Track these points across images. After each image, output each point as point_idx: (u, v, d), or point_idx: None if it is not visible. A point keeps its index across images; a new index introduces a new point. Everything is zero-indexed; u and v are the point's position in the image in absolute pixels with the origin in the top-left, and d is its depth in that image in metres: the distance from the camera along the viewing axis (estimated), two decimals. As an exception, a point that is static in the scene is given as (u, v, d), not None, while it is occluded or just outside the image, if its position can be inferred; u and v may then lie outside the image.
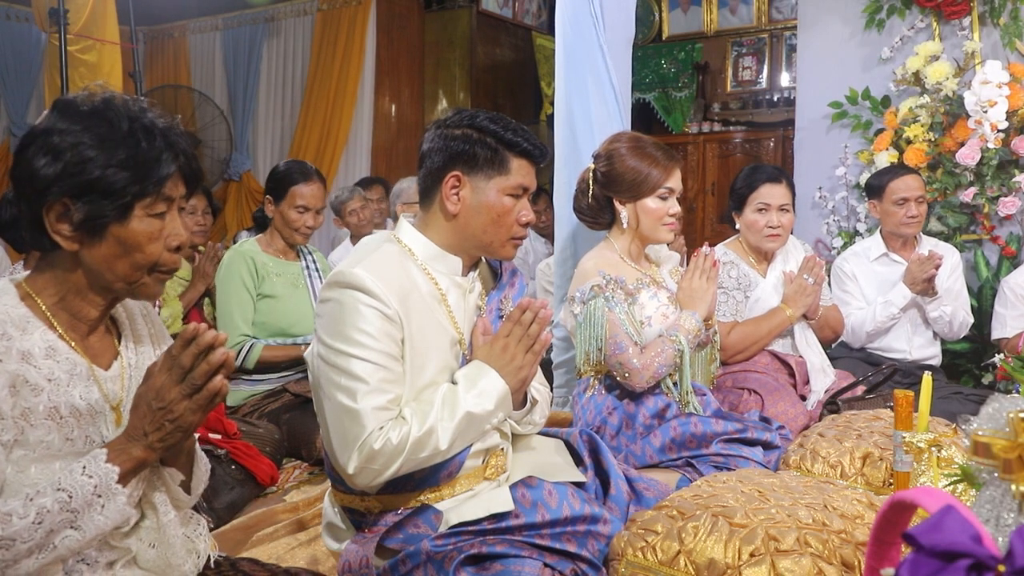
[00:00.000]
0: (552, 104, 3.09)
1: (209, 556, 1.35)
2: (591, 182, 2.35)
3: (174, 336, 1.20)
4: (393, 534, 1.55)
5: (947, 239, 3.56)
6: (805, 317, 2.77)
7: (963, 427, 0.98)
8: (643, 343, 2.20)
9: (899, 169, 3.30)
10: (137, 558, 1.24)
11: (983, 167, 3.54)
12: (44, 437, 1.14)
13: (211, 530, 2.05)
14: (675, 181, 2.30)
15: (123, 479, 1.13)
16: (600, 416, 2.24)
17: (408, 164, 6.10)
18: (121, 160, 1.14)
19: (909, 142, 3.71)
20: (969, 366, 3.56)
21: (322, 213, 3.05)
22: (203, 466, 1.35)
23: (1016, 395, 1.07)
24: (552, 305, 2.67)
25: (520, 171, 1.64)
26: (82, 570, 1.19)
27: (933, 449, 1.53)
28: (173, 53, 7.20)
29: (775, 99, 6.46)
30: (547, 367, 2.56)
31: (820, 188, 4.05)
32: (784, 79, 6.46)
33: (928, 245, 3.25)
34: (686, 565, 1.48)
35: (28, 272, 1.23)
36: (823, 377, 2.72)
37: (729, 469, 2.02)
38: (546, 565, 1.47)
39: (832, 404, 2.56)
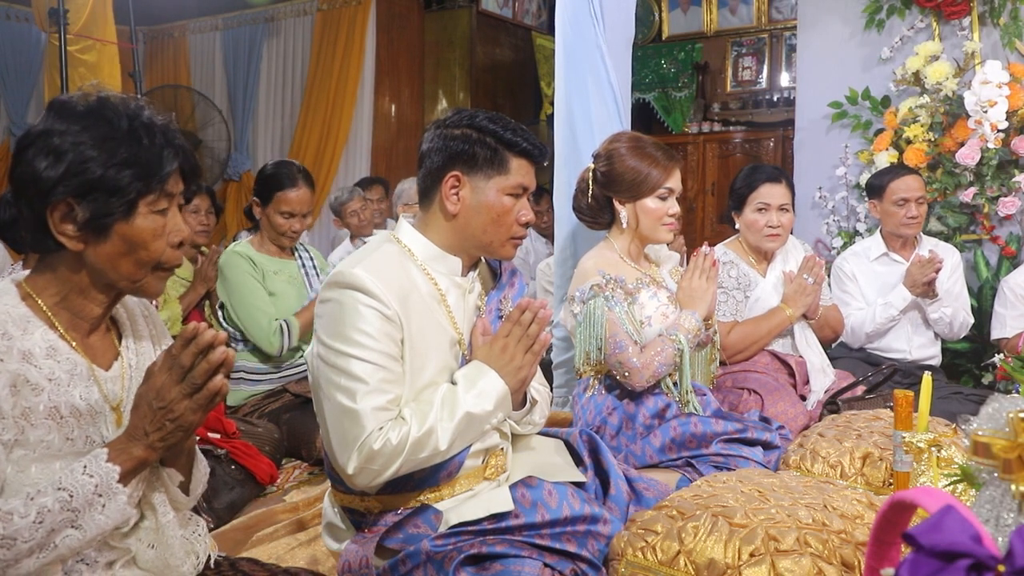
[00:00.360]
0: (552, 104, 3.09)
1: (209, 556, 1.35)
2: (591, 182, 2.35)
3: (175, 338, 1.20)
4: (393, 534, 1.55)
5: (947, 239, 3.56)
6: (805, 317, 2.77)
7: (963, 427, 0.98)
8: (643, 342, 2.20)
9: (899, 169, 3.30)
10: (136, 558, 1.24)
11: (983, 167, 3.54)
12: (44, 437, 1.14)
13: (211, 530, 2.06)
14: (675, 181, 2.30)
15: (124, 479, 1.13)
16: (600, 416, 2.24)
17: (408, 164, 6.11)
18: (124, 158, 1.14)
19: (909, 142, 3.71)
20: (969, 366, 3.56)
21: (309, 217, 3.03)
22: (202, 468, 1.35)
23: (1016, 395, 1.07)
24: (552, 305, 2.67)
25: (520, 171, 1.64)
26: (81, 570, 1.19)
27: (933, 449, 1.53)
28: (173, 53, 7.20)
29: (775, 99, 6.46)
30: (547, 367, 2.56)
31: (820, 188, 4.05)
32: (784, 79, 6.46)
33: (928, 245, 3.25)
34: (686, 565, 1.48)
35: (28, 272, 1.23)
36: (823, 377, 2.72)
37: (729, 469, 2.02)
38: (546, 565, 1.47)
39: (832, 404, 2.56)
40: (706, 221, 6.30)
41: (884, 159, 3.74)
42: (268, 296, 2.91)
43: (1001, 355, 3.05)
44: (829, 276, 3.25)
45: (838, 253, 3.55)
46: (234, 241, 4.31)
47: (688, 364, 2.22)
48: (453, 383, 1.56)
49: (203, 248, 3.93)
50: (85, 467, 1.11)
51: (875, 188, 3.23)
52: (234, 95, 6.82)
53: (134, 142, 1.15)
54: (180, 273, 3.73)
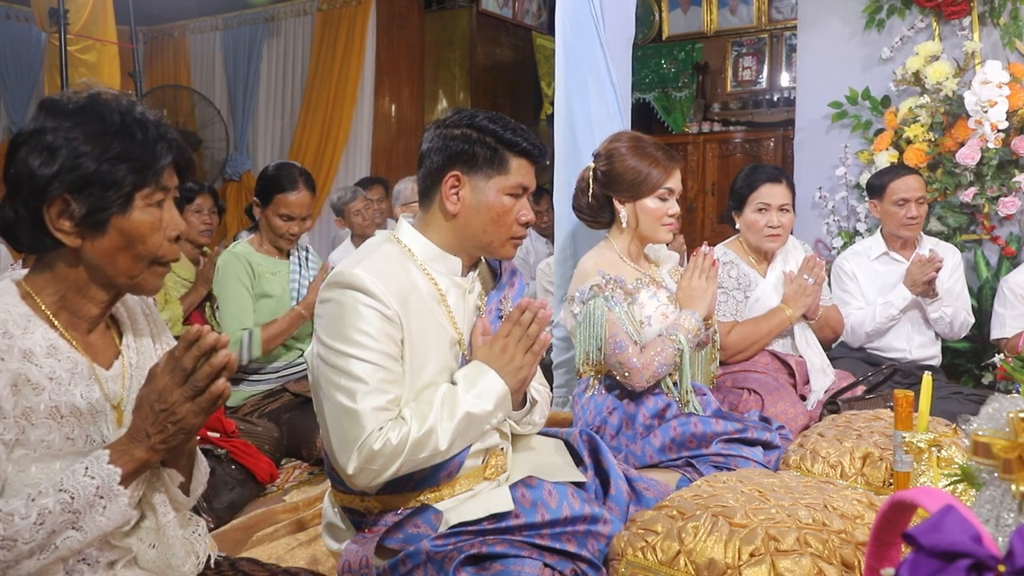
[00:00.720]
0: (552, 104, 3.09)
1: (209, 556, 1.35)
2: (591, 181, 2.35)
3: (177, 338, 1.20)
4: (393, 534, 1.55)
5: (947, 239, 3.56)
6: (805, 317, 2.77)
7: (963, 427, 0.98)
8: (643, 343, 2.20)
9: (900, 169, 3.30)
10: (137, 558, 1.24)
11: (983, 167, 3.54)
12: (45, 436, 1.14)
13: (211, 530, 2.06)
14: (675, 181, 2.30)
15: (125, 480, 1.13)
16: (600, 416, 2.24)
17: (408, 164, 6.10)
18: (118, 152, 1.15)
19: (909, 142, 3.71)
20: (969, 366, 3.56)
21: (308, 220, 3.03)
22: (203, 468, 1.35)
23: (1016, 395, 1.07)
24: (552, 305, 2.67)
25: (519, 171, 1.64)
26: (83, 570, 1.19)
27: (933, 449, 1.53)
28: (173, 53, 7.20)
29: (775, 99, 6.46)
30: (547, 368, 2.56)
31: (820, 188, 4.05)
32: (784, 79, 6.45)
33: (929, 245, 3.25)
34: (686, 565, 1.48)
35: (27, 271, 1.23)
36: (823, 377, 2.72)
37: (729, 469, 2.02)
38: (546, 565, 1.47)
39: (832, 404, 2.56)
40: (706, 221, 6.30)
41: (884, 159, 3.74)
42: (249, 304, 2.88)
43: (1001, 355, 3.05)
44: (829, 276, 3.25)
45: (838, 253, 3.55)
46: (234, 241, 4.31)
47: (688, 364, 2.22)
48: (453, 383, 1.56)
49: (205, 249, 3.93)
50: (87, 468, 1.11)
51: (875, 188, 3.23)
52: (234, 95, 6.82)
53: (127, 136, 1.16)
54: (181, 274, 3.73)
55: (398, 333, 1.51)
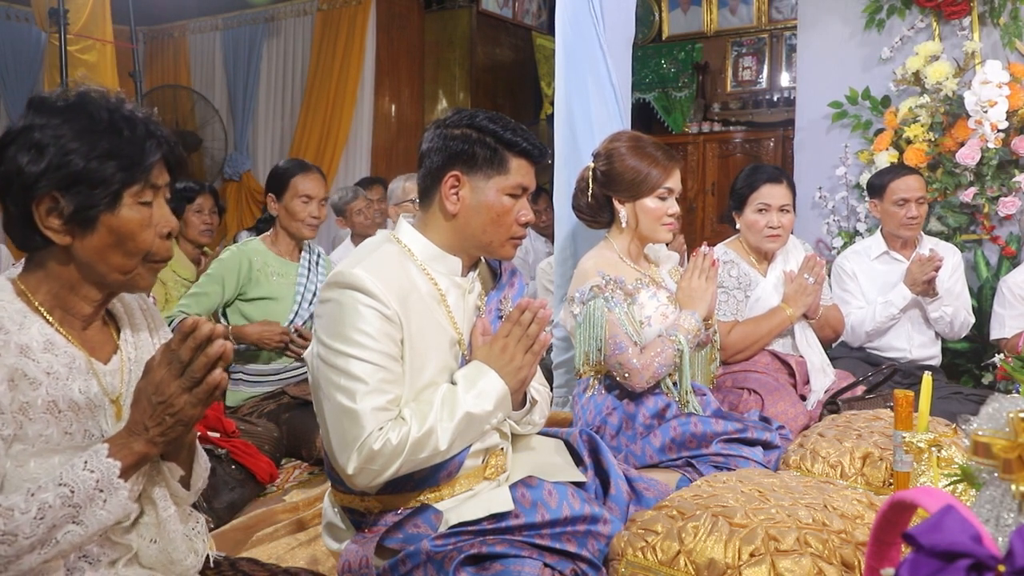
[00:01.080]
0: (552, 104, 3.09)
1: (209, 556, 1.35)
2: (591, 181, 2.35)
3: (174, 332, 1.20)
4: (393, 534, 1.55)
5: (947, 239, 3.56)
6: (805, 316, 2.77)
7: (963, 427, 0.98)
8: (643, 343, 2.20)
9: (900, 169, 3.30)
10: (139, 555, 1.24)
11: (983, 167, 3.54)
12: (43, 431, 1.14)
13: (211, 530, 2.06)
14: (674, 181, 2.30)
15: (125, 474, 1.13)
16: (600, 416, 2.24)
17: (408, 164, 6.10)
18: (106, 150, 1.15)
19: (909, 142, 3.71)
20: (969, 366, 3.56)
21: (324, 206, 3.05)
22: (203, 463, 1.35)
23: (1016, 395, 1.07)
24: (552, 305, 2.67)
25: (519, 171, 1.64)
26: (84, 568, 1.19)
27: (933, 449, 1.53)
28: (173, 53, 7.20)
29: (775, 99, 6.46)
30: (547, 369, 2.56)
31: (820, 188, 4.05)
32: (784, 79, 6.45)
33: (929, 244, 3.25)
34: (686, 565, 1.48)
35: (21, 269, 1.23)
36: (823, 377, 2.72)
37: (729, 469, 2.02)
38: (546, 565, 1.47)
39: (832, 404, 2.56)
40: (706, 221, 6.30)
41: (884, 159, 3.74)
42: (210, 302, 2.87)
43: (1001, 355, 3.05)
44: (829, 275, 3.25)
45: (838, 253, 3.55)
46: (235, 241, 4.31)
47: (688, 364, 2.22)
48: (453, 383, 1.56)
49: (205, 248, 3.93)
50: (86, 462, 1.11)
51: (876, 188, 3.23)
52: (234, 95, 6.82)
53: (115, 134, 1.16)
54: (181, 273, 3.73)
55: (398, 333, 1.51)
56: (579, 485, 1.71)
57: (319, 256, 3.11)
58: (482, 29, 6.59)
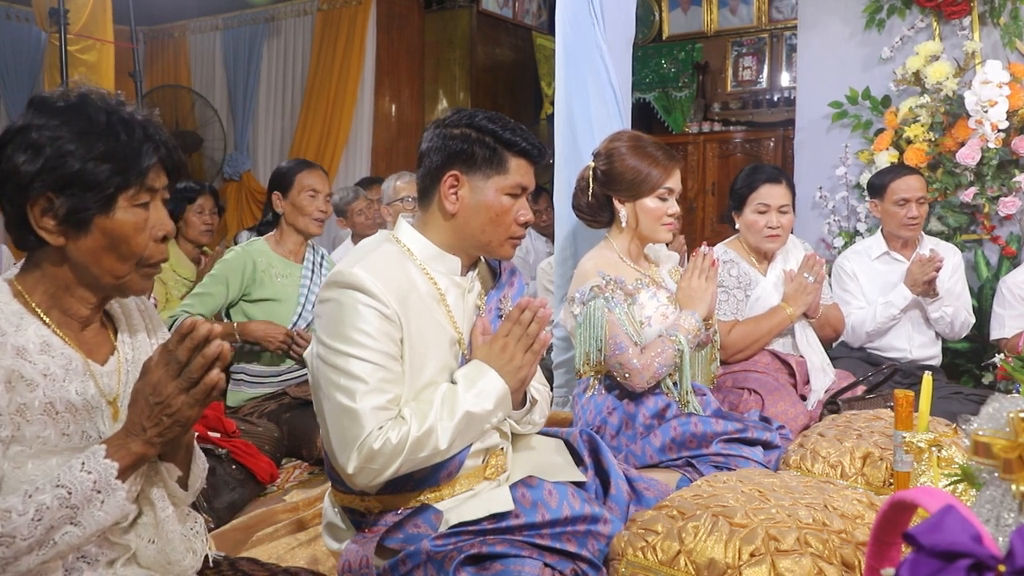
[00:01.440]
0: (552, 104, 3.09)
1: (208, 556, 1.35)
2: (591, 180, 2.35)
3: None
4: (393, 534, 1.55)
5: (947, 239, 3.56)
6: (805, 316, 2.77)
7: (963, 427, 0.98)
8: (643, 343, 2.20)
9: (901, 169, 3.29)
10: (137, 555, 1.24)
11: (983, 167, 3.54)
12: (40, 433, 1.14)
13: (211, 530, 2.06)
14: (675, 181, 2.30)
15: (122, 475, 1.13)
16: (600, 416, 2.24)
17: (408, 164, 6.08)
18: (101, 152, 1.15)
19: (909, 142, 3.71)
20: (969, 366, 3.56)
21: (329, 201, 3.06)
22: (200, 463, 1.35)
23: (1016, 395, 1.07)
24: (552, 304, 2.67)
25: (519, 170, 1.64)
26: (82, 568, 1.19)
27: (933, 449, 1.53)
28: (173, 53, 7.20)
29: (775, 99, 6.46)
30: (547, 369, 2.56)
31: (820, 188, 4.05)
32: (784, 79, 6.45)
33: (930, 244, 3.25)
34: (686, 565, 1.48)
35: (18, 270, 1.23)
36: (823, 376, 2.72)
37: (729, 469, 2.02)
38: (546, 565, 1.47)
39: (832, 404, 2.55)
40: (706, 221, 6.30)
41: (884, 159, 3.74)
42: (213, 303, 2.86)
43: (1001, 355, 3.05)
44: (829, 275, 3.25)
45: (839, 253, 3.55)
46: (235, 241, 4.31)
47: (688, 364, 2.21)
48: (453, 382, 1.56)
49: (205, 248, 3.93)
50: (83, 463, 1.11)
51: (876, 187, 3.23)
52: (234, 95, 6.82)
53: (112, 137, 1.16)
54: (182, 273, 3.73)
55: (397, 332, 1.51)
56: (579, 485, 1.71)
57: (323, 257, 3.11)
58: (482, 29, 6.59)
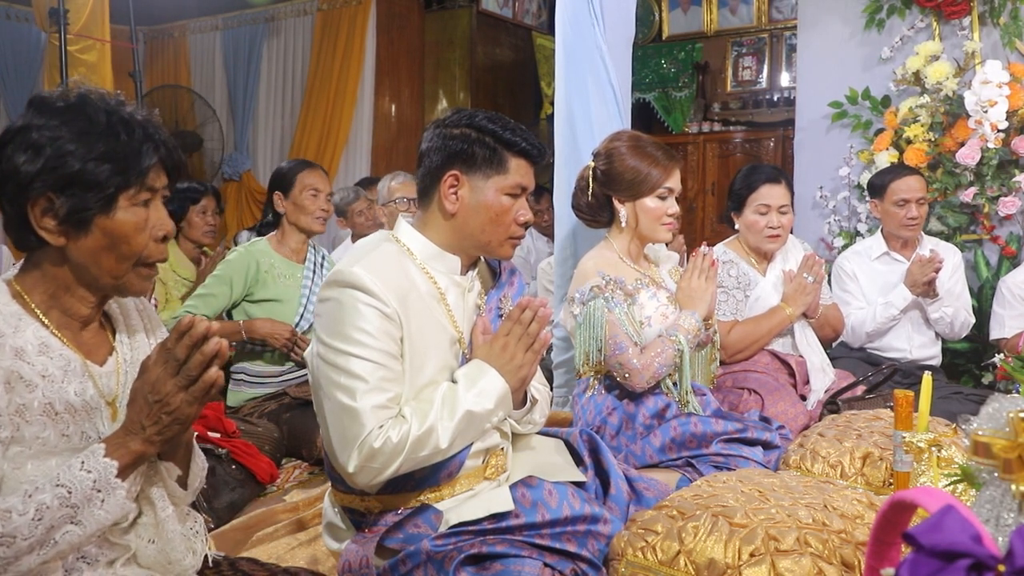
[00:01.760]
0: (552, 104, 3.09)
1: (208, 556, 1.35)
2: (591, 180, 2.35)
3: None
4: (393, 534, 1.55)
5: (947, 239, 3.56)
6: (805, 316, 2.77)
7: (963, 427, 0.98)
8: (643, 343, 2.20)
9: (901, 169, 3.29)
10: (137, 555, 1.24)
11: (983, 167, 3.54)
12: (40, 433, 1.14)
13: (211, 530, 2.06)
14: (674, 181, 2.30)
15: (122, 473, 1.13)
16: (600, 416, 2.24)
17: (408, 164, 6.08)
18: (102, 152, 1.15)
19: (909, 142, 3.71)
20: (969, 366, 3.56)
21: (331, 200, 3.06)
22: (199, 462, 1.35)
23: (1016, 395, 1.07)
24: (552, 304, 2.67)
25: (518, 171, 1.64)
26: (82, 568, 1.19)
27: (933, 449, 1.53)
28: (173, 53, 7.19)
29: (775, 99, 6.46)
30: (547, 369, 2.56)
31: (820, 188, 4.05)
32: (784, 79, 6.45)
33: (930, 245, 3.25)
34: (686, 565, 1.48)
35: (16, 271, 1.23)
36: (823, 376, 2.72)
37: (729, 469, 2.02)
38: (546, 565, 1.47)
39: (832, 404, 2.55)
40: (706, 221, 6.30)
41: (884, 159, 3.74)
42: (217, 303, 2.87)
43: (1001, 355, 3.05)
44: (829, 275, 3.25)
45: (839, 253, 3.55)
46: (235, 241, 4.32)
47: (688, 364, 2.22)
48: (453, 382, 1.56)
49: (206, 249, 3.93)
50: (83, 463, 1.11)
51: (876, 187, 3.23)
52: (234, 95, 6.82)
53: (112, 137, 1.16)
54: (182, 273, 3.73)
55: (397, 331, 1.52)
56: (579, 485, 1.71)
57: (323, 258, 3.11)
58: (482, 29, 6.59)
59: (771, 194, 2.76)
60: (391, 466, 1.46)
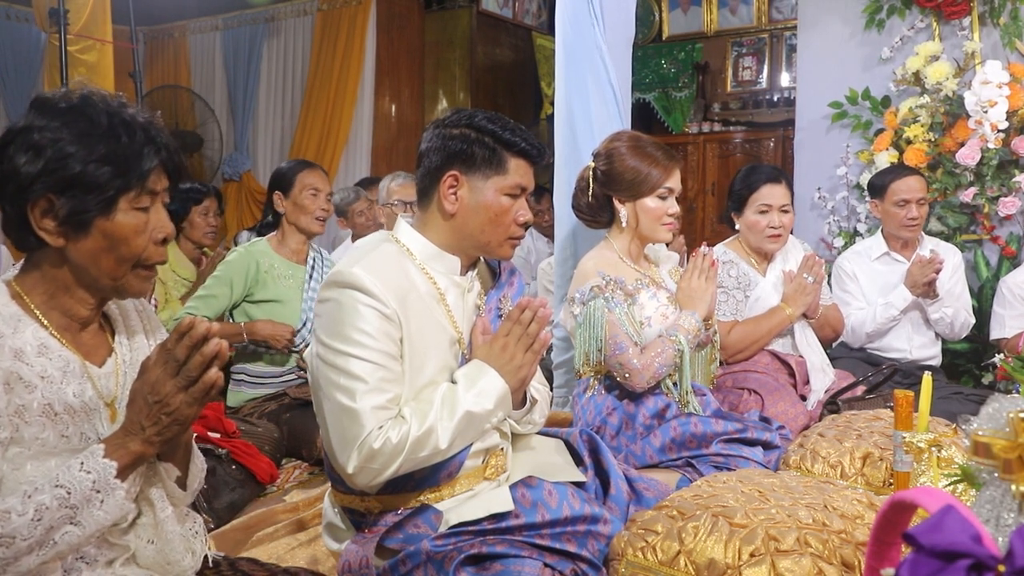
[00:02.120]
0: (552, 104, 3.09)
1: (208, 556, 1.35)
2: (591, 180, 2.35)
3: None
4: (393, 534, 1.55)
5: (947, 239, 3.55)
6: (805, 316, 2.77)
7: (963, 427, 0.98)
8: (643, 343, 2.20)
9: (901, 169, 3.29)
10: (136, 555, 1.24)
11: (983, 167, 3.54)
12: (39, 434, 1.14)
13: (211, 530, 2.06)
14: (674, 181, 2.30)
15: (121, 474, 1.13)
16: (600, 416, 2.24)
17: (408, 164, 6.08)
18: (102, 154, 1.15)
19: (909, 142, 3.71)
20: (969, 366, 3.56)
21: (331, 200, 3.06)
22: (199, 463, 1.35)
23: (1016, 395, 1.07)
24: (552, 304, 2.67)
25: (518, 171, 1.64)
26: (81, 568, 1.19)
27: (933, 449, 1.53)
28: (173, 53, 7.20)
29: (775, 99, 6.46)
30: (547, 370, 2.56)
31: (820, 188, 4.05)
32: (784, 79, 6.45)
33: (930, 245, 3.25)
34: (686, 565, 1.47)
35: (16, 272, 1.23)
36: (823, 377, 2.72)
37: (729, 469, 2.02)
38: (546, 565, 1.47)
39: (832, 404, 2.55)
40: (706, 221, 6.30)
41: (884, 159, 3.74)
42: (218, 304, 2.86)
43: (1001, 355, 3.05)
44: (829, 276, 3.25)
45: (839, 253, 3.55)
46: (235, 242, 4.32)
47: (688, 364, 2.21)
48: (453, 382, 1.56)
49: (206, 249, 3.94)
50: (82, 463, 1.11)
51: (876, 188, 3.23)
52: (234, 95, 6.82)
53: (113, 139, 1.16)
54: (181, 274, 3.73)
55: (397, 332, 1.51)
56: (579, 485, 1.71)
57: (324, 258, 3.11)
58: (482, 29, 6.59)
59: (772, 194, 2.76)
60: (391, 467, 1.46)
